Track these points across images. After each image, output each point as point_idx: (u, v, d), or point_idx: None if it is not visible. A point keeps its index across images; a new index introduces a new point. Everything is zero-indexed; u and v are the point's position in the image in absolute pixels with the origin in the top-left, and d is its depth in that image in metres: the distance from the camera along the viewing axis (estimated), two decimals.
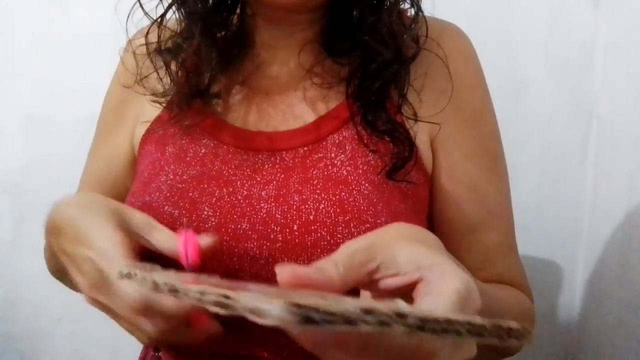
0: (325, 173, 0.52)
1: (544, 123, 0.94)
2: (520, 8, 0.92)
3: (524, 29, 0.92)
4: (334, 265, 0.32)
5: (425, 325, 0.24)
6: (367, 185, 0.51)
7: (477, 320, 0.26)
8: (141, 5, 0.58)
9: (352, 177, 0.52)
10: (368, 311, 0.22)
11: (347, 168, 0.52)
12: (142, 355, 0.63)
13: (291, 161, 0.53)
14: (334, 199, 0.50)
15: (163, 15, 0.59)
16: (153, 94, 0.58)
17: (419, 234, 0.38)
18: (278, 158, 0.54)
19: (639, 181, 0.76)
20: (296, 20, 0.57)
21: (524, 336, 0.27)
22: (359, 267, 0.32)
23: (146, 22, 0.60)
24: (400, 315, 0.23)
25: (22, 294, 1.10)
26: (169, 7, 0.58)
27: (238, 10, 0.60)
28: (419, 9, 0.56)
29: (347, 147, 0.54)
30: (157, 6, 0.59)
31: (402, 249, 0.34)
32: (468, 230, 0.58)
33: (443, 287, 0.31)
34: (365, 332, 0.23)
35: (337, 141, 0.54)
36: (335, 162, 0.53)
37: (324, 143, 0.54)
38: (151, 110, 0.60)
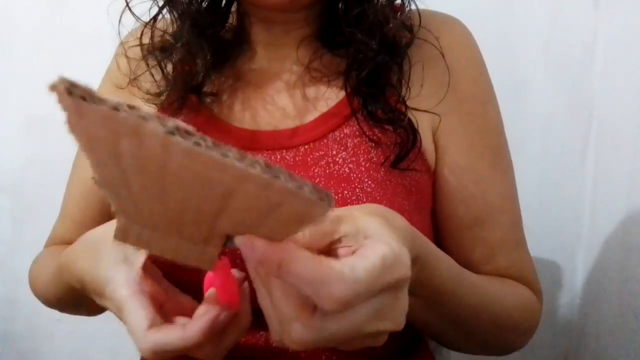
0: (327, 171, 0.52)
1: (544, 123, 0.94)
2: (520, 8, 0.92)
3: (524, 29, 0.92)
4: (301, 233, 0.33)
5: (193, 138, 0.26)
6: (369, 182, 0.51)
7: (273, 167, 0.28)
8: (130, 10, 0.58)
9: (355, 175, 0.51)
10: (131, 106, 0.26)
11: (349, 165, 0.52)
12: None
13: (292, 160, 0.53)
14: (336, 197, 0.50)
15: (155, 17, 0.59)
16: (147, 94, 0.58)
17: (385, 212, 0.39)
18: (279, 157, 0.54)
19: (639, 181, 0.76)
20: (291, 19, 0.57)
21: (323, 201, 0.29)
22: (322, 237, 0.34)
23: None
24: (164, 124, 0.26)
25: (22, 294, 1.10)
26: (161, 9, 0.58)
27: (234, 9, 0.60)
28: (407, 0, 0.56)
29: (348, 144, 0.53)
30: (150, 8, 0.59)
31: (362, 222, 0.35)
32: (471, 225, 0.58)
33: (370, 251, 0.32)
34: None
35: (338, 138, 0.54)
36: (337, 159, 0.52)
37: (325, 140, 0.54)
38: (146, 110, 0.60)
